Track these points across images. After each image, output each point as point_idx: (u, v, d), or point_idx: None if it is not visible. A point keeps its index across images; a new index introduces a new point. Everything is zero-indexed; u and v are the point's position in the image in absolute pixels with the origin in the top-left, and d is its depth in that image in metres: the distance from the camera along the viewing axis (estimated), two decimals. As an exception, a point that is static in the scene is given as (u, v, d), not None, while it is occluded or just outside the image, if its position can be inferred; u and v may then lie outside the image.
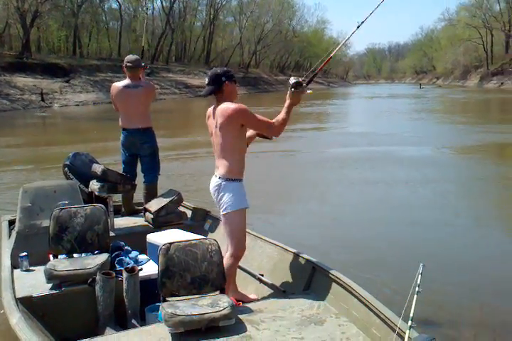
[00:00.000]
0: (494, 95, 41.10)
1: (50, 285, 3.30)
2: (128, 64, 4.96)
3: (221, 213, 3.39)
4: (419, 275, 2.17)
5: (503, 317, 4.01)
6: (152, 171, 5.09)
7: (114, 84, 5.16)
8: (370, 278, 4.50)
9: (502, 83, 56.13)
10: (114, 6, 55.67)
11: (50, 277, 3.27)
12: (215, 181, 3.37)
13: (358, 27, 3.63)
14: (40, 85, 32.57)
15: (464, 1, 75.38)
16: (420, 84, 73.62)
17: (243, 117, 3.26)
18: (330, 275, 3.15)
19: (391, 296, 4.03)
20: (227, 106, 3.26)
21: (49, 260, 3.51)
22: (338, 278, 3.08)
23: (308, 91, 3.39)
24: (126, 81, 5.01)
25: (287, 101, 3.35)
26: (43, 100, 31.47)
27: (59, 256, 3.59)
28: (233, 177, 3.31)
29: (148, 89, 5.05)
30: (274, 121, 3.34)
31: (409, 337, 2.07)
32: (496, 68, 61.84)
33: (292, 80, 3.34)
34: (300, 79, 3.36)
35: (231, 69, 3.50)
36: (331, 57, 3.70)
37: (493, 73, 61.95)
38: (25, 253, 3.69)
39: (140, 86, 4.98)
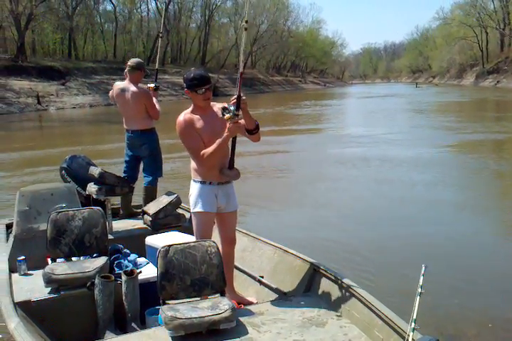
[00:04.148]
0: (491, 94, 41.07)
1: (48, 289, 3.27)
2: (129, 64, 4.97)
3: None
4: (422, 277, 2.15)
5: (506, 317, 3.99)
6: (151, 173, 5.06)
7: (114, 84, 5.15)
8: (370, 279, 4.49)
9: (498, 81, 56.21)
10: (109, 7, 55.79)
11: (49, 281, 3.24)
12: None
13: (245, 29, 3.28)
14: (36, 88, 32.50)
15: (458, 0, 75.42)
16: (416, 84, 73.63)
17: (178, 134, 3.28)
18: (331, 277, 3.12)
19: (393, 297, 4.01)
20: (179, 116, 3.29)
21: (47, 264, 3.49)
22: (339, 280, 3.06)
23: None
24: (124, 83, 5.00)
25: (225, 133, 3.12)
26: (39, 103, 31.41)
27: (57, 260, 3.56)
28: (195, 178, 3.38)
29: (136, 93, 4.91)
30: (203, 152, 3.19)
31: (412, 338, 2.04)
32: (492, 66, 61.94)
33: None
34: (226, 105, 3.07)
35: (206, 76, 3.18)
36: (242, 74, 3.23)
37: (488, 71, 62.07)
38: (23, 257, 3.66)
39: (130, 90, 4.92)
